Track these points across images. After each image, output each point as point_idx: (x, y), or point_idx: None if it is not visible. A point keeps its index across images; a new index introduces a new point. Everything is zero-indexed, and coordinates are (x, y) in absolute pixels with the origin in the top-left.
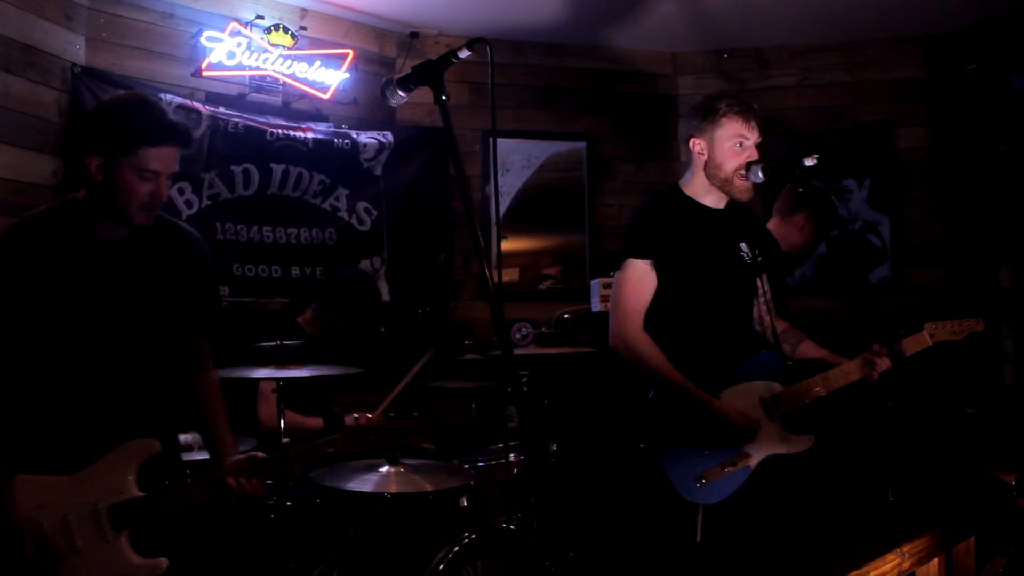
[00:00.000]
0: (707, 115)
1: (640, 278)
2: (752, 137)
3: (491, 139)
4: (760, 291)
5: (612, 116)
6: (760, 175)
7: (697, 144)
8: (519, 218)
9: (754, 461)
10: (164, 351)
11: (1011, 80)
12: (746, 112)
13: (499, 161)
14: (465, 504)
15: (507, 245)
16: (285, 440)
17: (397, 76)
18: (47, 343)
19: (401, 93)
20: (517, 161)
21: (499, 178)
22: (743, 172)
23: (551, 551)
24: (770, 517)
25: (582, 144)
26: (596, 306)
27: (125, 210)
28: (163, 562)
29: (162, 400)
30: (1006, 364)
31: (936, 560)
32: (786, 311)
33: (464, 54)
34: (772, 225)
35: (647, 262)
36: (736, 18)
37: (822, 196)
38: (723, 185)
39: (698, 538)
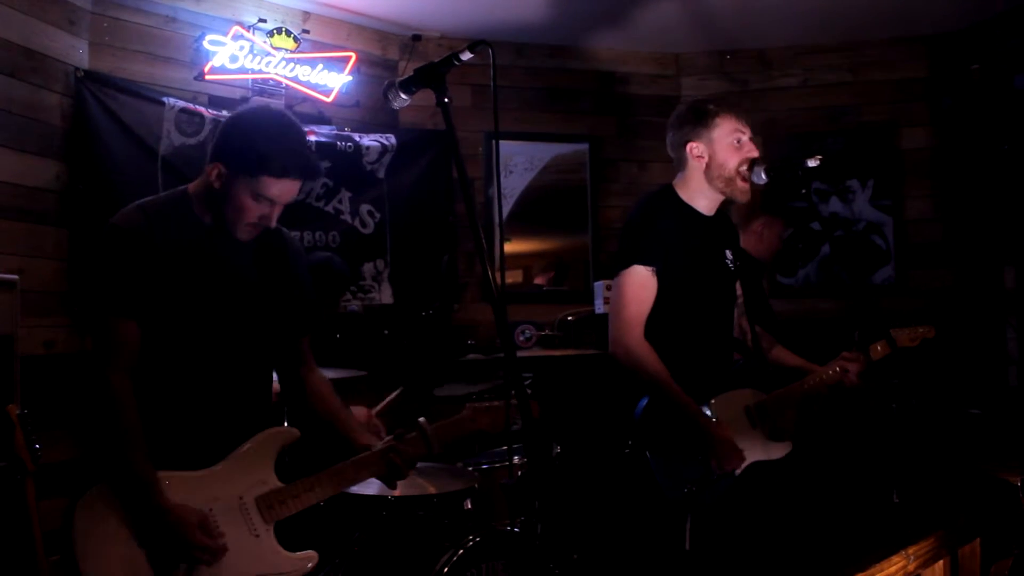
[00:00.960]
0: (700, 118)
1: (642, 284)
2: (747, 132)
3: (494, 141)
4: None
5: (615, 118)
6: (763, 176)
7: (696, 148)
8: (522, 220)
9: (739, 469)
10: (273, 342)
11: (1014, 80)
12: (736, 108)
13: (502, 163)
14: (469, 507)
15: (510, 247)
16: (421, 419)
17: (399, 79)
18: (171, 329)
19: (403, 96)
20: (520, 163)
21: (502, 180)
22: (745, 171)
23: (555, 554)
24: (755, 521)
25: (585, 146)
26: (599, 308)
27: (232, 224)
28: (315, 555)
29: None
30: (1010, 365)
31: (941, 562)
32: (764, 315)
33: (466, 56)
34: None
35: (650, 269)
36: (738, 19)
37: (771, 198)
38: (726, 186)
39: (687, 546)
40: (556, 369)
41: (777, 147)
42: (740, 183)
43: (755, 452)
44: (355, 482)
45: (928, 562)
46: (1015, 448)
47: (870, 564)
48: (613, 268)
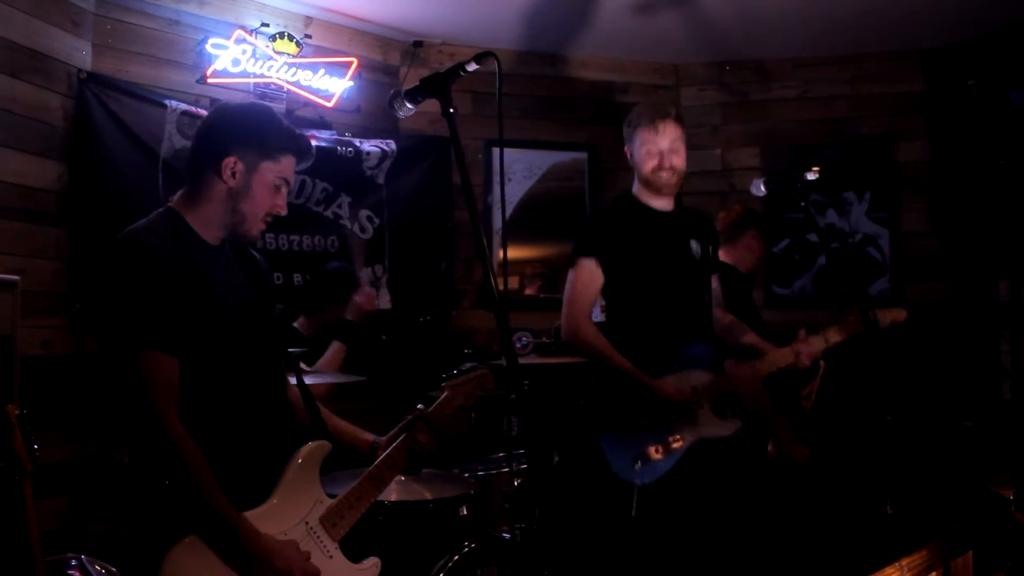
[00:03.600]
0: (628, 127)
1: (588, 274)
2: (663, 143)
3: (497, 149)
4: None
5: (614, 127)
6: (762, 188)
7: (627, 150)
8: (520, 227)
9: (685, 445)
10: (274, 360)
11: (1010, 96)
12: (653, 121)
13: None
14: (465, 513)
15: (508, 254)
16: (419, 406)
17: (405, 88)
18: (200, 361)
19: (409, 105)
20: (519, 171)
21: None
22: (661, 175)
23: (550, 560)
24: (701, 496)
25: (583, 154)
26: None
27: (250, 221)
28: (378, 561)
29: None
30: (1004, 378)
31: (934, 574)
32: (754, 325)
33: (472, 67)
34: (721, 255)
35: (593, 260)
36: (738, 30)
37: (755, 212)
38: (647, 183)
39: (633, 513)
40: (553, 377)
41: (775, 158)
42: (655, 177)
43: (703, 430)
44: (388, 483)
45: (921, 574)
46: (1008, 461)
47: (864, 575)
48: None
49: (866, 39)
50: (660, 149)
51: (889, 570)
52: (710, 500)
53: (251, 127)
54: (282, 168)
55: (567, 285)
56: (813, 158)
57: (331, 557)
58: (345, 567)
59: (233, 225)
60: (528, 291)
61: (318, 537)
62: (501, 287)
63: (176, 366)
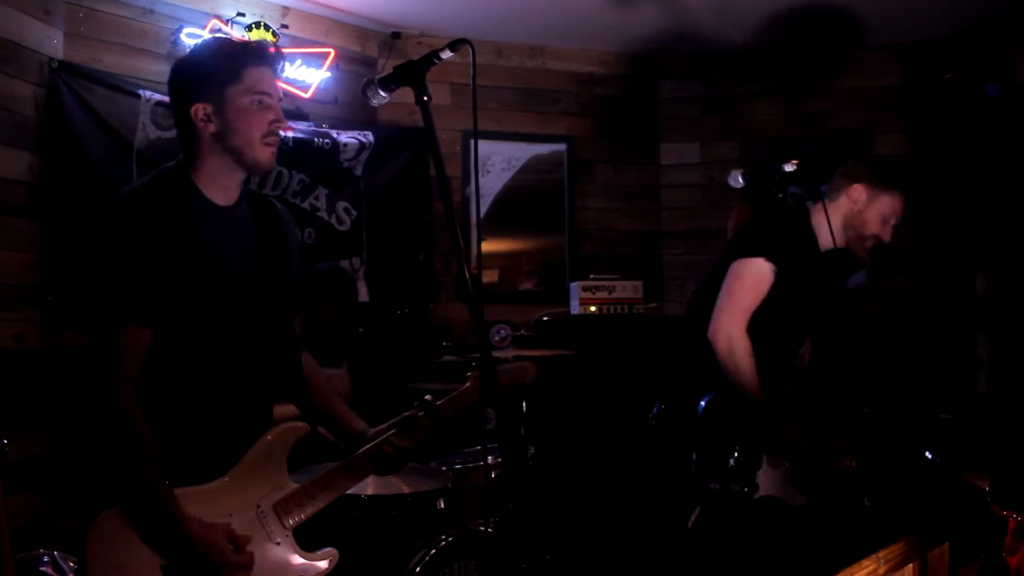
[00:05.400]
0: (881, 182)
1: (762, 279)
2: (897, 219)
3: (473, 140)
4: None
5: (593, 119)
6: (740, 180)
7: (859, 193)
8: (499, 220)
9: (756, 493)
10: (281, 328)
11: (986, 90)
12: (904, 196)
13: (479, 162)
14: (442, 506)
15: (487, 246)
16: (427, 396)
17: (379, 76)
18: (181, 328)
19: (382, 93)
20: (498, 163)
21: (479, 179)
22: (870, 246)
23: (528, 553)
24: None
25: (563, 146)
26: (575, 309)
27: (247, 149)
28: (335, 552)
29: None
30: (981, 370)
31: (911, 565)
32: None
33: (446, 55)
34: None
35: (773, 267)
36: (717, 23)
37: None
38: (851, 239)
39: (689, 527)
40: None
41: (753, 151)
42: (863, 246)
43: (775, 488)
44: (364, 477)
45: (898, 565)
46: (984, 453)
47: (841, 567)
48: (731, 254)
49: (844, 33)
50: (894, 222)
51: (867, 562)
52: (744, 550)
53: (197, 66)
54: (249, 83)
55: (732, 279)
56: (791, 151)
57: (278, 544)
58: (291, 556)
59: (236, 163)
60: (525, 285)
61: (267, 523)
62: (477, 280)
63: (146, 337)
